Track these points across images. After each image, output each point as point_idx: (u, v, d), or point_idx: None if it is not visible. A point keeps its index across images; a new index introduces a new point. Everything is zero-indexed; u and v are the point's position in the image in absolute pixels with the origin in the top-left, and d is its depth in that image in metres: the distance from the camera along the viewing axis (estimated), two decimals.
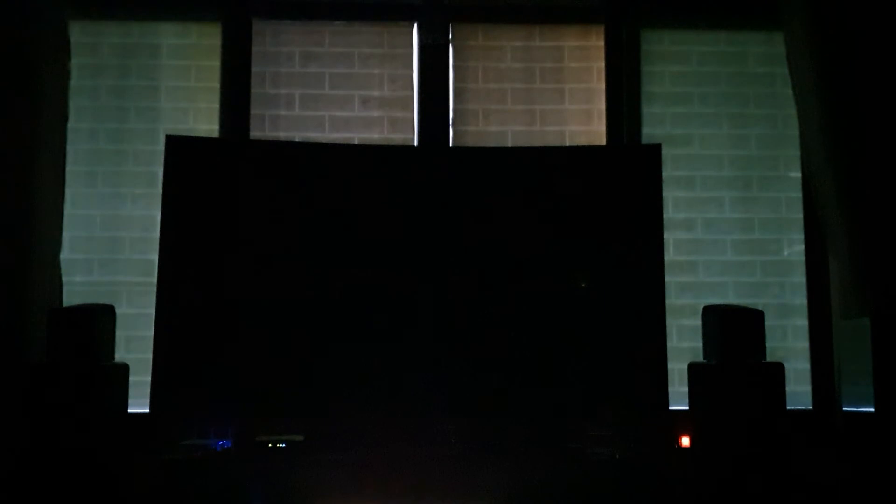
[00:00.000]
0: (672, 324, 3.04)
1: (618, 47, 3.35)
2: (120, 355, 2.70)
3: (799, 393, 3.16)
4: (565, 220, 2.86)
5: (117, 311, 2.69)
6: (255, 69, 3.30)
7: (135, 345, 3.03)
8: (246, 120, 3.25)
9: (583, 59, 3.39)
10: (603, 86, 3.35)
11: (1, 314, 2.75)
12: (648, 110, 3.35)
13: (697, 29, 3.40)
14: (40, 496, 2.44)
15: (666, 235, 2.91)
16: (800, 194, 3.30)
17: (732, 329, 2.65)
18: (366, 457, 2.62)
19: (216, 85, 3.29)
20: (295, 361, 2.76)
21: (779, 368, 2.63)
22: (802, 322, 3.26)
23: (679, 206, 3.31)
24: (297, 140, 3.26)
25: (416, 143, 3.30)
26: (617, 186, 2.89)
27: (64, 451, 2.45)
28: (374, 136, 3.31)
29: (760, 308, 2.74)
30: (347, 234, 2.83)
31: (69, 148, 3.04)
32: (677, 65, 3.39)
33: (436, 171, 2.93)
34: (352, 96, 3.34)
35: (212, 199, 2.82)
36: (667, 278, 2.84)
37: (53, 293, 2.90)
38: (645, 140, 3.30)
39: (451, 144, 3.30)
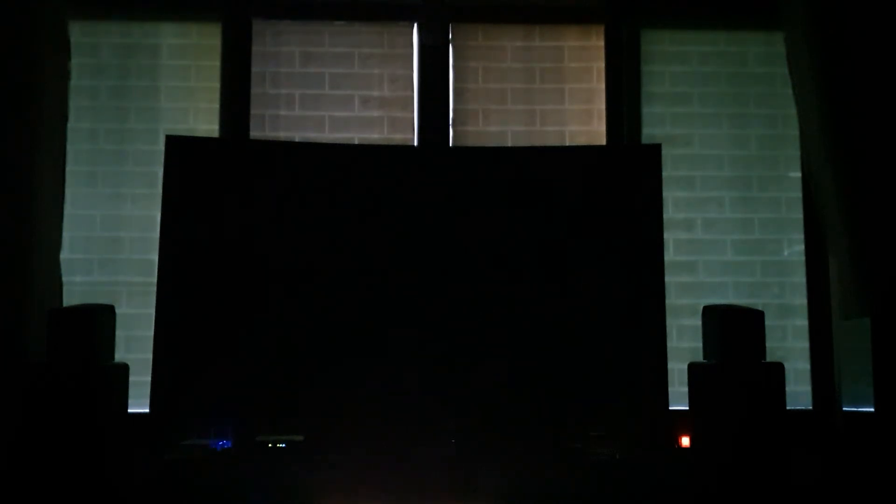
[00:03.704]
0: (672, 324, 3.04)
1: (618, 47, 3.35)
2: (120, 355, 2.69)
3: (799, 393, 3.16)
4: (565, 220, 2.86)
5: (117, 311, 2.68)
6: (255, 69, 3.30)
7: (135, 345, 3.03)
8: (246, 120, 3.25)
9: (583, 59, 3.39)
10: (603, 86, 3.35)
11: (1, 314, 2.75)
12: (648, 110, 3.35)
13: (697, 29, 3.40)
14: (40, 496, 2.44)
15: (666, 235, 2.91)
16: (800, 194, 3.30)
17: (732, 329, 2.65)
18: (366, 457, 2.62)
19: (216, 85, 3.29)
20: (295, 361, 2.76)
21: (779, 368, 2.63)
22: (802, 322, 3.26)
23: (679, 206, 3.31)
24: (297, 140, 3.26)
25: (416, 143, 3.30)
26: (617, 186, 2.89)
27: (64, 451, 2.45)
28: (374, 136, 3.31)
29: (760, 308, 2.74)
30: (346, 233, 2.83)
31: (69, 148, 3.04)
32: (677, 65, 3.39)
33: (436, 171, 2.93)
34: (352, 96, 3.34)
35: (212, 200, 2.82)
36: (667, 278, 2.84)
37: (53, 293, 2.90)
38: (645, 140, 3.30)
39: (451, 144, 3.30)
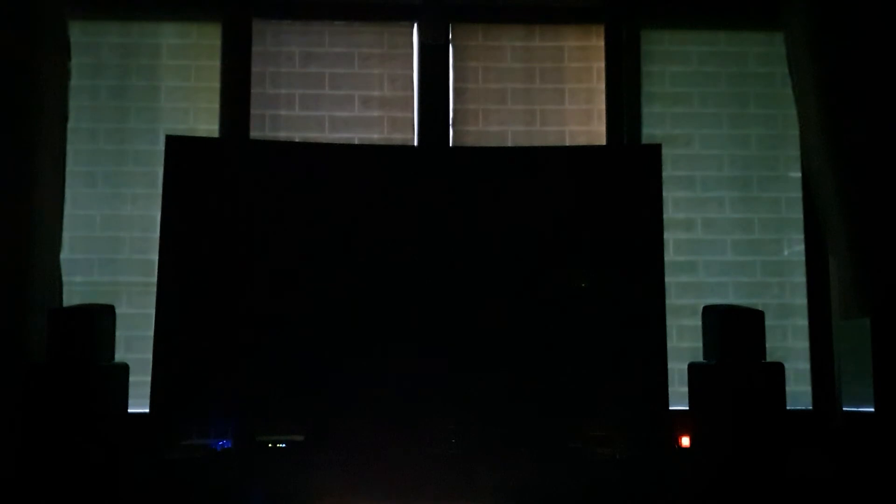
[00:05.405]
0: (672, 324, 3.04)
1: (618, 47, 3.35)
2: (120, 355, 2.70)
3: (799, 393, 3.16)
4: (565, 220, 2.86)
5: (117, 311, 2.68)
6: (255, 69, 3.30)
7: (135, 345, 3.03)
8: (246, 120, 3.25)
9: (583, 59, 3.39)
10: (603, 86, 3.35)
11: (1, 314, 2.76)
12: (648, 110, 3.35)
13: (697, 29, 3.41)
14: (40, 496, 2.44)
15: (666, 235, 2.91)
16: (800, 194, 3.30)
17: (732, 329, 2.65)
18: (366, 457, 2.62)
19: (216, 85, 3.29)
20: (295, 361, 2.76)
21: (779, 368, 2.63)
22: (802, 322, 3.26)
23: (679, 206, 3.31)
24: (297, 140, 3.26)
25: (416, 143, 3.30)
26: (617, 186, 2.89)
27: (64, 450, 2.45)
28: (374, 136, 3.31)
29: (760, 308, 2.75)
30: (347, 233, 2.83)
31: (69, 148, 3.04)
32: (677, 65, 3.39)
33: (436, 171, 2.93)
34: (352, 96, 3.33)
35: (212, 200, 2.82)
36: (667, 278, 2.85)
37: (53, 293, 2.90)
38: (645, 140, 3.30)
39: (451, 144, 3.30)
